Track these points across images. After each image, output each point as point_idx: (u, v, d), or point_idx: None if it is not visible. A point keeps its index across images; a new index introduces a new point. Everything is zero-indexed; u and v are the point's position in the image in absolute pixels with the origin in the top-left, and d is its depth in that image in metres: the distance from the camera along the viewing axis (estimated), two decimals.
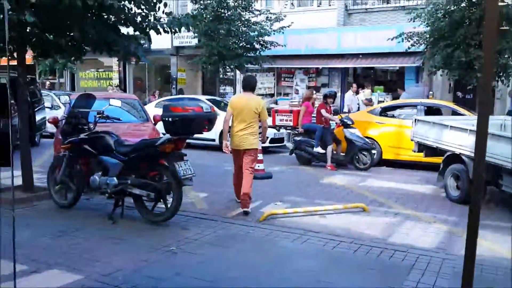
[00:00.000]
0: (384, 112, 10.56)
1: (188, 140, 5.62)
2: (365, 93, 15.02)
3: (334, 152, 9.60)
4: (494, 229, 5.47)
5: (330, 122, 9.82)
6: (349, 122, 9.73)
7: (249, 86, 6.27)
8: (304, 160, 10.04)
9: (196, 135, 5.48)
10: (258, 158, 7.67)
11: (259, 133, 6.31)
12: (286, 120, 10.95)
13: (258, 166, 8.08)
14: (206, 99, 12.38)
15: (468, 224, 1.87)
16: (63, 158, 5.82)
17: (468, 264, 1.88)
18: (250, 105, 6.02)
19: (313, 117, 10.11)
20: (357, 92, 14.80)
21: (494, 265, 4.16)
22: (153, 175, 5.42)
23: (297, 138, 10.03)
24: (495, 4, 1.86)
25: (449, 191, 6.93)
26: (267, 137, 7.01)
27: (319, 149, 9.61)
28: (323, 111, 9.58)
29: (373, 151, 9.62)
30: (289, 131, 11.76)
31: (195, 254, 4.29)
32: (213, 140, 11.88)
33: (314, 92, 12.22)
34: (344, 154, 9.77)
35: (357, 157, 9.53)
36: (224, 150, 6.19)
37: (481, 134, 1.86)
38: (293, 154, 10.15)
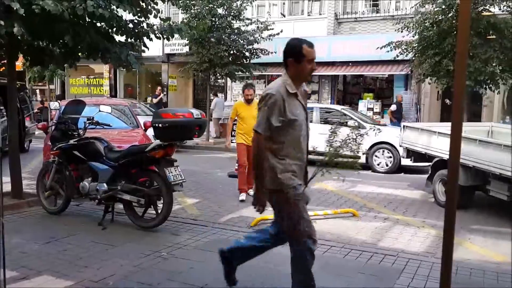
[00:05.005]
0: None
1: None
2: None
3: None
4: (482, 233, 5.55)
5: None
6: None
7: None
8: None
9: None
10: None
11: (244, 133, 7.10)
12: None
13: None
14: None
15: (444, 226, 1.93)
16: (52, 164, 5.79)
17: (446, 266, 1.93)
18: None
19: None
20: None
21: (482, 268, 4.22)
22: (143, 181, 5.41)
23: None
24: (467, 12, 1.94)
25: (438, 196, 7.01)
26: None
27: None
28: None
29: None
30: None
31: (186, 259, 4.28)
32: None
33: None
34: None
35: None
36: None
37: (455, 140, 1.92)
38: None
